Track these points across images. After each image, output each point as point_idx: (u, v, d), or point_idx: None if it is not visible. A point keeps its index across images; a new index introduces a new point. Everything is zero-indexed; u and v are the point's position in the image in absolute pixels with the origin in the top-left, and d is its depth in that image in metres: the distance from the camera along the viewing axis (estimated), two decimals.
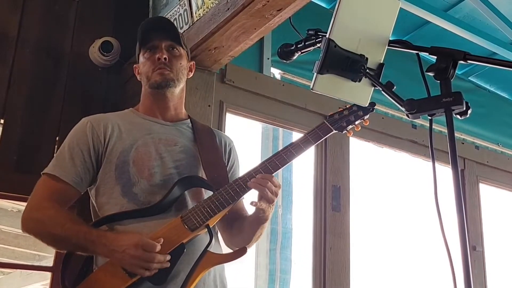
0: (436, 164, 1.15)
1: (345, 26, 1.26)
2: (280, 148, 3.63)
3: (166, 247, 1.54)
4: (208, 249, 1.59)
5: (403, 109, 1.17)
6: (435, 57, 1.16)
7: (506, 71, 3.91)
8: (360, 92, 1.35)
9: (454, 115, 1.11)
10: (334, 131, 1.72)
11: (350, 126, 1.73)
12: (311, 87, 1.27)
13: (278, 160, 1.67)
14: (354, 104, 1.71)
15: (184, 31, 2.72)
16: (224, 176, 1.74)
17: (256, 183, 1.62)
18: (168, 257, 1.53)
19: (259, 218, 1.69)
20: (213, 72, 2.87)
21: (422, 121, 3.47)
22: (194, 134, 1.81)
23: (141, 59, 1.85)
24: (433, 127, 1.20)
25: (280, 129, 3.50)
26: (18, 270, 5.85)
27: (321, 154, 3.31)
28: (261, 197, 1.62)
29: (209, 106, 2.80)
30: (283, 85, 3.32)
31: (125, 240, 1.52)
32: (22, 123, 3.07)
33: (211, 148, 1.79)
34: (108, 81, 3.35)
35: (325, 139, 3.27)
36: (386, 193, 3.96)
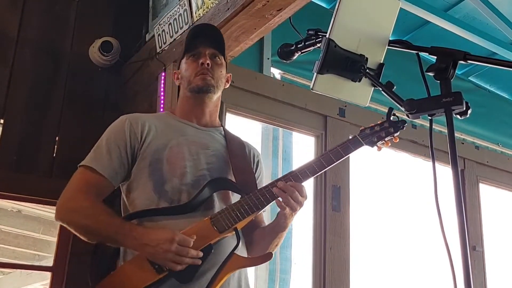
0: (436, 164, 1.15)
1: (345, 26, 1.26)
2: (280, 148, 3.63)
3: (195, 246, 1.57)
4: (234, 251, 1.63)
5: (403, 109, 1.17)
6: (435, 57, 1.16)
7: (506, 71, 3.90)
8: (360, 92, 1.35)
9: (454, 115, 1.11)
10: (365, 146, 1.75)
11: (380, 142, 1.76)
12: (311, 87, 1.27)
13: (309, 170, 1.70)
14: (386, 121, 1.75)
15: (184, 31, 2.72)
16: (253, 182, 1.79)
17: (281, 190, 1.65)
18: (201, 254, 1.57)
19: (279, 226, 1.73)
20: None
21: (422, 121, 3.47)
22: (226, 141, 1.87)
23: (183, 64, 1.88)
24: (433, 127, 1.20)
25: (280, 129, 3.50)
26: (18, 270, 5.85)
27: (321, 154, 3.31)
28: (284, 204, 1.66)
29: None
30: (283, 85, 3.32)
31: (158, 235, 1.55)
32: (22, 123, 3.07)
33: (241, 156, 1.85)
34: (108, 81, 3.36)
35: (325, 139, 3.30)
36: (386, 193, 3.95)
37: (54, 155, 3.11)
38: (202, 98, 1.84)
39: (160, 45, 2.92)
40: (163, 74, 2.82)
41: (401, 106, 1.17)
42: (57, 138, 3.15)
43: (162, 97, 2.79)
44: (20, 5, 3.21)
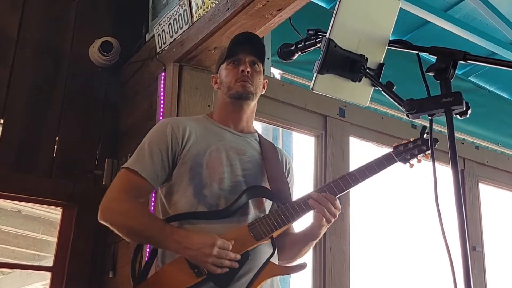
0: (436, 164, 1.15)
1: (345, 26, 1.26)
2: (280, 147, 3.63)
3: (233, 252, 1.63)
4: (270, 260, 1.69)
5: (403, 109, 1.17)
6: (435, 57, 1.16)
7: (506, 71, 3.91)
8: (360, 92, 1.35)
9: (454, 115, 1.11)
10: (398, 162, 1.83)
11: (413, 159, 1.83)
12: (311, 87, 1.27)
13: (343, 183, 1.77)
14: (419, 138, 1.81)
15: (184, 31, 2.72)
16: (287, 190, 1.84)
17: (316, 202, 1.72)
18: (239, 256, 1.63)
19: (312, 234, 1.80)
20: (213, 72, 2.87)
21: (422, 121, 3.46)
22: (261, 147, 1.92)
23: (223, 70, 1.92)
24: (433, 127, 1.20)
25: (280, 129, 3.50)
26: (18, 270, 5.85)
27: (321, 154, 3.31)
28: (321, 217, 1.72)
29: (208, 106, 2.80)
30: (283, 85, 3.32)
31: (200, 238, 1.61)
32: (22, 123, 3.07)
33: (275, 163, 1.90)
34: (108, 81, 3.36)
35: (325, 139, 3.30)
36: (386, 193, 3.95)
37: (54, 155, 3.11)
38: (241, 105, 1.89)
39: (160, 45, 2.92)
40: (163, 74, 2.82)
41: (401, 106, 1.17)
42: (57, 138, 3.15)
43: (162, 97, 2.79)
44: (20, 5, 3.21)
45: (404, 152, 1.82)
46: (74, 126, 3.21)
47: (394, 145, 1.85)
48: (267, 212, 1.81)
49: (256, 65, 1.90)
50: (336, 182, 1.77)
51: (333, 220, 1.74)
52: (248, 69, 1.85)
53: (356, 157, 3.41)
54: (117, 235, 1.74)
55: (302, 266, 1.73)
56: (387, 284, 3.96)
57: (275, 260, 1.76)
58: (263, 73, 1.96)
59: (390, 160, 1.82)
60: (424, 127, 1.80)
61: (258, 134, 1.98)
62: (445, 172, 1.11)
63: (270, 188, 1.82)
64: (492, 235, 4.06)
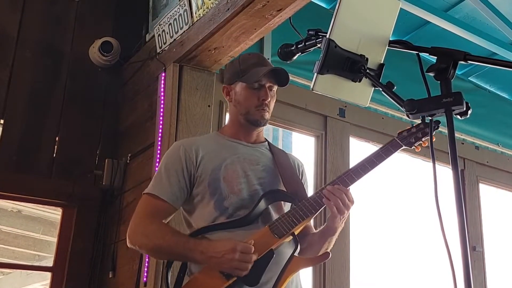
0: (436, 164, 1.15)
1: (345, 26, 1.26)
2: (280, 148, 3.63)
3: (258, 252, 1.70)
4: (294, 254, 1.75)
5: (403, 109, 1.17)
6: (435, 57, 1.16)
7: (506, 71, 3.91)
8: (360, 92, 1.35)
9: (454, 115, 1.11)
10: (404, 147, 1.86)
11: (418, 142, 1.87)
12: (311, 87, 1.27)
13: (354, 173, 1.82)
14: (422, 122, 1.82)
15: (184, 31, 2.73)
16: (303, 190, 1.90)
17: (330, 192, 1.77)
18: (255, 257, 1.69)
19: (329, 230, 1.84)
20: (213, 73, 2.87)
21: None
22: (273, 154, 1.98)
23: (241, 89, 1.94)
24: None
25: (280, 129, 3.50)
26: (18, 270, 5.85)
27: (321, 154, 3.31)
28: (333, 207, 1.76)
29: (209, 106, 2.80)
30: None
31: (221, 246, 1.69)
32: (22, 123, 3.07)
33: (288, 167, 1.96)
34: (108, 81, 3.36)
35: (325, 139, 3.30)
36: (386, 193, 3.96)
37: (54, 155, 3.11)
38: (256, 128, 1.97)
39: (160, 45, 2.92)
40: (163, 74, 2.83)
41: (401, 106, 1.17)
42: (57, 138, 3.15)
43: (162, 97, 2.79)
44: (20, 5, 3.21)
45: (409, 136, 1.86)
46: (74, 126, 3.21)
47: (398, 132, 1.89)
48: None
49: (273, 90, 1.95)
50: (347, 173, 1.82)
51: (346, 213, 1.78)
52: (269, 99, 1.91)
53: (356, 157, 3.41)
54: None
55: (325, 256, 1.77)
56: (387, 284, 3.97)
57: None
58: None
59: (396, 146, 1.86)
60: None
61: (268, 142, 2.04)
62: (445, 172, 1.11)
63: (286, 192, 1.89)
64: (492, 235, 4.06)
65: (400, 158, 3.75)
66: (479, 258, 3.85)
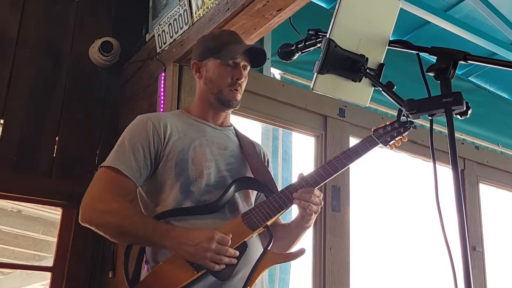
0: (436, 164, 1.15)
1: (345, 26, 1.26)
2: (280, 148, 3.63)
3: (231, 244, 1.60)
4: (268, 248, 1.68)
5: (403, 109, 1.17)
6: (435, 57, 1.16)
7: (506, 71, 3.90)
8: (360, 92, 1.35)
9: (454, 115, 1.11)
10: (380, 145, 1.82)
11: (392, 142, 1.83)
12: (311, 87, 1.27)
13: (330, 168, 1.76)
14: (396, 121, 1.82)
15: (184, 31, 2.72)
16: (272, 180, 1.82)
17: (299, 200, 1.70)
18: (237, 253, 1.60)
19: (303, 224, 1.77)
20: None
21: (422, 121, 3.46)
22: (239, 140, 1.90)
23: (214, 66, 1.84)
24: (433, 127, 1.20)
25: (280, 129, 3.50)
26: (18, 270, 5.84)
27: (321, 154, 3.31)
28: (306, 210, 1.71)
29: None
30: (283, 85, 3.32)
31: (198, 233, 1.57)
32: (22, 123, 3.07)
33: (255, 155, 1.88)
34: (108, 81, 3.36)
35: (325, 139, 3.30)
36: (386, 193, 3.96)
37: (54, 155, 3.11)
38: (226, 110, 1.88)
39: (160, 45, 2.92)
40: (163, 74, 2.82)
41: (401, 106, 1.17)
42: (57, 138, 3.15)
43: (162, 97, 2.79)
44: (20, 5, 3.21)
45: (384, 134, 1.82)
46: (74, 126, 3.21)
47: (373, 129, 1.85)
48: (253, 205, 1.80)
49: (246, 70, 1.86)
50: (323, 167, 1.76)
51: (319, 210, 1.74)
52: (243, 79, 1.82)
53: None
54: None
55: (301, 252, 1.71)
56: (387, 284, 3.96)
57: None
58: None
59: (372, 143, 1.81)
60: (400, 110, 1.78)
61: (234, 128, 1.96)
62: (445, 172, 1.11)
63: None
64: (492, 235, 4.06)
65: (400, 158, 3.75)
66: (479, 258, 3.85)
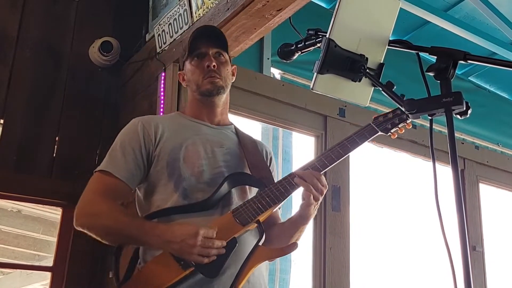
0: (436, 164, 1.15)
1: (345, 26, 1.26)
2: (280, 147, 3.63)
3: (220, 239, 1.58)
4: (259, 244, 1.64)
5: (403, 109, 1.17)
6: (435, 57, 1.16)
7: (506, 71, 3.91)
8: (360, 92, 1.35)
9: (454, 115, 1.11)
10: (380, 133, 1.74)
11: (394, 129, 1.74)
12: (311, 87, 1.27)
13: (326, 159, 1.71)
14: (399, 108, 1.68)
15: (184, 31, 2.72)
16: (269, 177, 1.78)
17: (302, 179, 1.66)
18: (225, 243, 1.57)
19: (302, 218, 1.72)
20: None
21: (422, 121, 3.47)
22: (238, 138, 1.88)
23: (188, 66, 1.88)
24: (433, 127, 1.20)
25: (280, 129, 3.50)
26: (18, 270, 5.85)
27: None
28: (307, 191, 1.66)
29: None
30: (283, 85, 3.32)
31: (181, 230, 1.55)
32: (22, 123, 3.07)
33: (254, 152, 1.86)
34: (108, 81, 3.36)
35: (325, 139, 3.30)
36: (386, 193, 3.96)
37: (54, 155, 3.11)
38: (213, 100, 1.85)
39: (160, 45, 2.92)
40: (163, 74, 2.82)
41: (401, 106, 1.17)
42: (57, 138, 3.15)
43: (162, 97, 2.79)
44: (20, 5, 3.21)
45: (385, 122, 1.73)
46: (74, 126, 3.21)
47: (373, 117, 1.78)
48: None
49: (221, 56, 1.85)
50: (319, 159, 1.71)
51: (320, 198, 1.69)
52: (214, 63, 1.81)
53: (355, 157, 3.41)
54: None
55: (293, 246, 1.66)
56: (387, 284, 3.96)
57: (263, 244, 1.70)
58: (230, 62, 1.91)
59: (371, 131, 1.73)
60: (403, 95, 1.72)
61: (235, 126, 1.94)
62: (445, 172, 1.11)
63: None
64: (492, 235, 4.06)
65: (400, 158, 3.76)
66: (479, 258, 3.85)
